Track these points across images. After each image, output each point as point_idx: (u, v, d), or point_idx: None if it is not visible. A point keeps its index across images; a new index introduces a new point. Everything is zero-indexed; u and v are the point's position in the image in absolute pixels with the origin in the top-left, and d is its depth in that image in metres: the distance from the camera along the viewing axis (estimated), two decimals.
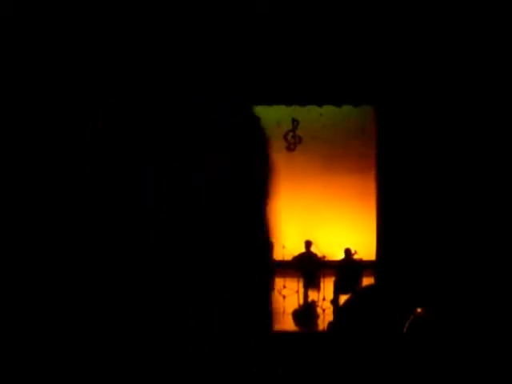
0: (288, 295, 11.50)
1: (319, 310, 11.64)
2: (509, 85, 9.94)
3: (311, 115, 13.01)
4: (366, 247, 11.85)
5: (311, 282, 11.96)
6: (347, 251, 11.95)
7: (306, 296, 11.81)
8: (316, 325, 11.32)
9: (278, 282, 10.89)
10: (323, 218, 12.90)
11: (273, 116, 13.43)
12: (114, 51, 1.28)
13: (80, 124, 1.02)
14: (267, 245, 0.94)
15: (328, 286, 11.75)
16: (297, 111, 13.23)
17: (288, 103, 12.72)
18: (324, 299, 11.73)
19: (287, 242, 11.14)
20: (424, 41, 10.48)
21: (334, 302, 11.12)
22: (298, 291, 11.86)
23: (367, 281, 10.97)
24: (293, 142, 13.57)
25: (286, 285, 11.52)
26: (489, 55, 10.25)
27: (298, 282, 11.91)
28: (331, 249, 12.24)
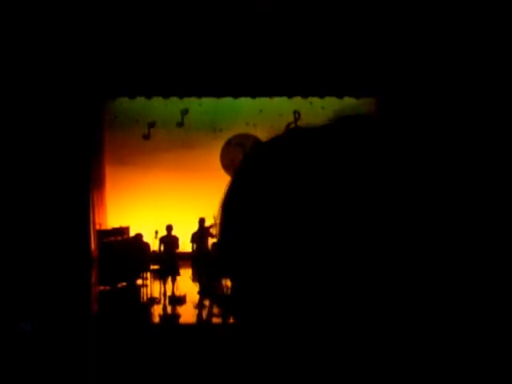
0: None
1: None
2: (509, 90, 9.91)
3: (313, 107, 12.97)
4: None
5: None
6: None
7: None
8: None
9: None
10: None
11: (275, 108, 13.45)
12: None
13: None
14: None
15: None
16: (299, 103, 13.21)
17: (290, 95, 12.71)
18: None
19: None
20: (425, 34, 10.44)
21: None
22: None
23: None
24: None
25: None
26: (491, 53, 10.20)
27: None
28: None
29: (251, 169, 0.59)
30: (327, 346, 0.52)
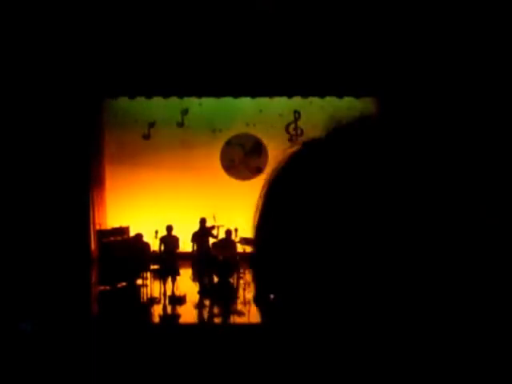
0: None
1: None
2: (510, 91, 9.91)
3: (313, 107, 12.98)
4: None
5: None
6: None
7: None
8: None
9: None
10: None
11: (275, 108, 13.45)
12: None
13: None
14: None
15: None
16: (299, 103, 13.21)
17: (290, 95, 12.72)
18: None
19: None
20: (425, 34, 10.44)
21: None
22: None
23: None
24: (294, 134, 13.58)
25: None
26: (491, 53, 10.20)
27: None
28: None
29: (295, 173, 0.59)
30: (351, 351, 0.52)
